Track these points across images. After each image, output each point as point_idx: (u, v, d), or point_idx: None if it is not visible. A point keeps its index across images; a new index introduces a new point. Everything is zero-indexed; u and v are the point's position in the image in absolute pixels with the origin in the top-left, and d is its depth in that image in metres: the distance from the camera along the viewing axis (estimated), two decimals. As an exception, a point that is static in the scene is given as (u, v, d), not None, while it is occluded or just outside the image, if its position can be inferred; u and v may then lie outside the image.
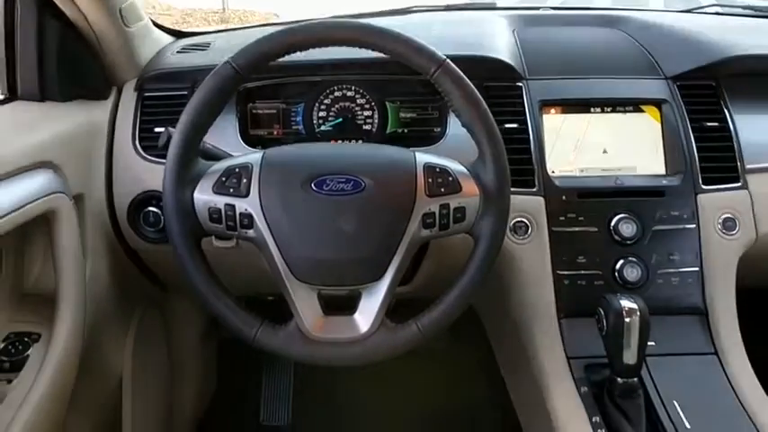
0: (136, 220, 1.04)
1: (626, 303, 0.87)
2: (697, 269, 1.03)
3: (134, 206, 1.03)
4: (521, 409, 1.14)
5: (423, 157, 0.82)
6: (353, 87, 1.12)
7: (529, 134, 1.06)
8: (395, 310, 0.84)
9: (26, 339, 0.87)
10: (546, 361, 0.96)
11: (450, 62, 0.80)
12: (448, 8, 1.45)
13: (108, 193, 1.03)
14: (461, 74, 0.80)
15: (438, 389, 1.62)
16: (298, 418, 1.55)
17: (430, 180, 0.80)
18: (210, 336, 1.45)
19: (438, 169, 0.81)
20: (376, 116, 1.12)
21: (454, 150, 0.88)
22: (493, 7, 1.45)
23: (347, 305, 0.83)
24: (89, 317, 0.94)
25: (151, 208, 1.03)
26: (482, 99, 0.81)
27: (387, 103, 1.12)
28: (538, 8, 1.44)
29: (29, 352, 0.85)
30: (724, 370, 0.96)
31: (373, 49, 0.81)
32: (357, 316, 0.81)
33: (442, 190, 0.80)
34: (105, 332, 1.04)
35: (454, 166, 0.82)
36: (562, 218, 1.03)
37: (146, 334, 1.18)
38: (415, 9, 1.41)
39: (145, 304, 1.20)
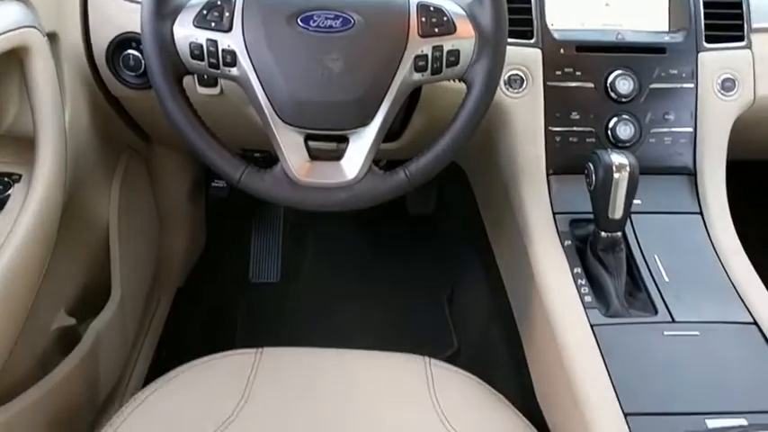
0: (115, 63, 0.99)
1: (616, 158, 0.86)
2: (691, 129, 1.02)
3: (112, 49, 0.98)
4: (503, 265, 1.16)
5: None
6: None
7: None
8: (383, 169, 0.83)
9: (6, 179, 0.85)
10: (531, 215, 0.96)
11: None
12: None
13: (84, 34, 0.98)
14: None
15: (425, 252, 1.65)
16: (286, 275, 1.59)
17: (423, 19, 0.76)
18: (198, 191, 1.45)
19: (432, 8, 0.76)
20: None
21: None
22: None
23: (334, 156, 0.81)
24: (71, 162, 0.92)
25: (131, 51, 0.98)
26: None
27: None
28: None
29: (10, 191, 0.84)
30: (707, 229, 0.97)
31: None
32: (344, 162, 0.80)
33: (436, 30, 0.76)
34: (89, 178, 1.03)
35: (449, 5, 0.77)
36: (558, 72, 0.99)
37: (131, 184, 1.17)
38: None
39: (129, 154, 1.18)
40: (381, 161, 1.19)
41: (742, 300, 0.88)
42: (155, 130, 1.17)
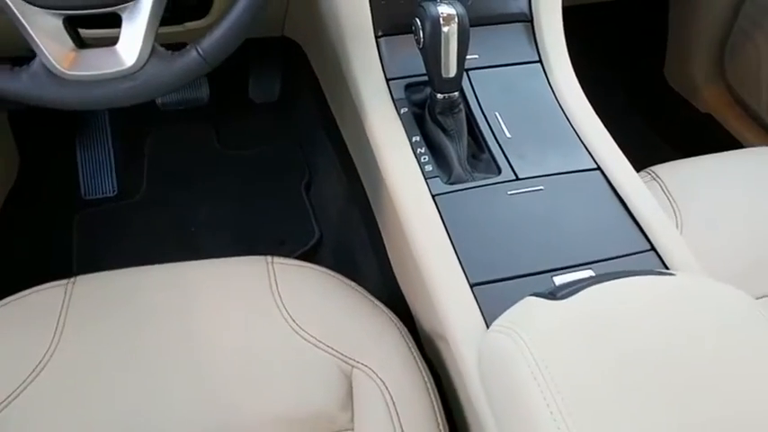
0: None
1: (444, 9, 0.77)
2: (523, -28, 0.94)
3: None
4: (351, 144, 1.07)
5: None
6: None
7: None
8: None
9: None
10: (363, 85, 0.87)
11: None
12: None
13: None
14: None
15: (275, 141, 1.53)
16: (124, 187, 1.42)
17: None
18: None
19: None
20: None
21: None
22: None
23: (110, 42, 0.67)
24: None
25: None
26: None
27: None
28: None
29: None
30: (547, 78, 0.92)
31: None
32: (119, 47, 0.66)
33: None
34: None
35: None
36: None
37: None
38: None
39: None
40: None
41: (585, 146, 0.85)
42: None
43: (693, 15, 1.54)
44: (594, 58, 1.57)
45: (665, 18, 1.63)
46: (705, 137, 1.57)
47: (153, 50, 0.66)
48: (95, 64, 0.65)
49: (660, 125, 1.69)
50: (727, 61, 1.54)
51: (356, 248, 1.16)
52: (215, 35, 0.68)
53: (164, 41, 0.78)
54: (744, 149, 1.10)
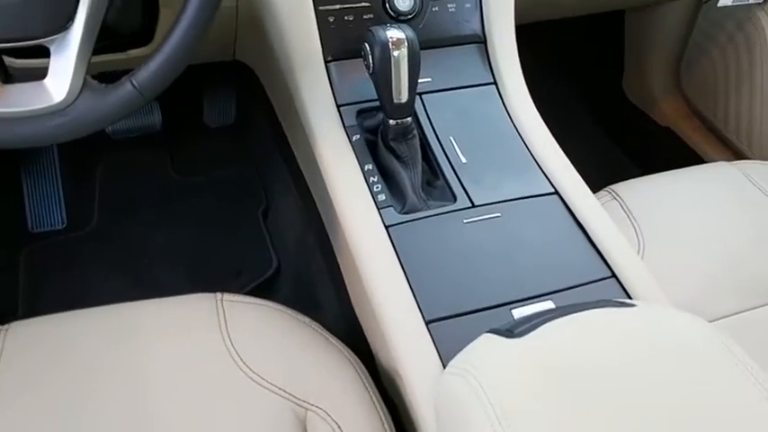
0: None
1: (392, 33, 0.74)
2: (475, -7, 0.93)
3: None
4: (305, 170, 1.04)
5: None
6: None
7: None
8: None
9: None
10: (312, 112, 0.84)
11: None
12: None
13: None
14: None
15: (232, 166, 1.49)
16: (74, 219, 1.37)
17: None
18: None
19: None
20: None
21: None
22: None
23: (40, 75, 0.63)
24: None
25: None
26: None
27: None
28: None
29: None
30: (502, 99, 0.90)
31: None
32: (48, 80, 0.62)
33: None
34: None
35: None
36: None
37: None
38: None
39: None
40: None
41: (541, 170, 0.83)
42: None
43: (649, 29, 1.55)
44: (552, 74, 1.57)
45: (621, 32, 1.63)
46: (664, 150, 1.58)
47: (85, 84, 0.63)
48: (21, 100, 0.62)
49: (619, 139, 1.69)
50: (684, 74, 1.55)
51: (314, 278, 1.13)
52: (150, 67, 0.64)
53: (107, 69, 0.75)
54: (703, 165, 1.09)
